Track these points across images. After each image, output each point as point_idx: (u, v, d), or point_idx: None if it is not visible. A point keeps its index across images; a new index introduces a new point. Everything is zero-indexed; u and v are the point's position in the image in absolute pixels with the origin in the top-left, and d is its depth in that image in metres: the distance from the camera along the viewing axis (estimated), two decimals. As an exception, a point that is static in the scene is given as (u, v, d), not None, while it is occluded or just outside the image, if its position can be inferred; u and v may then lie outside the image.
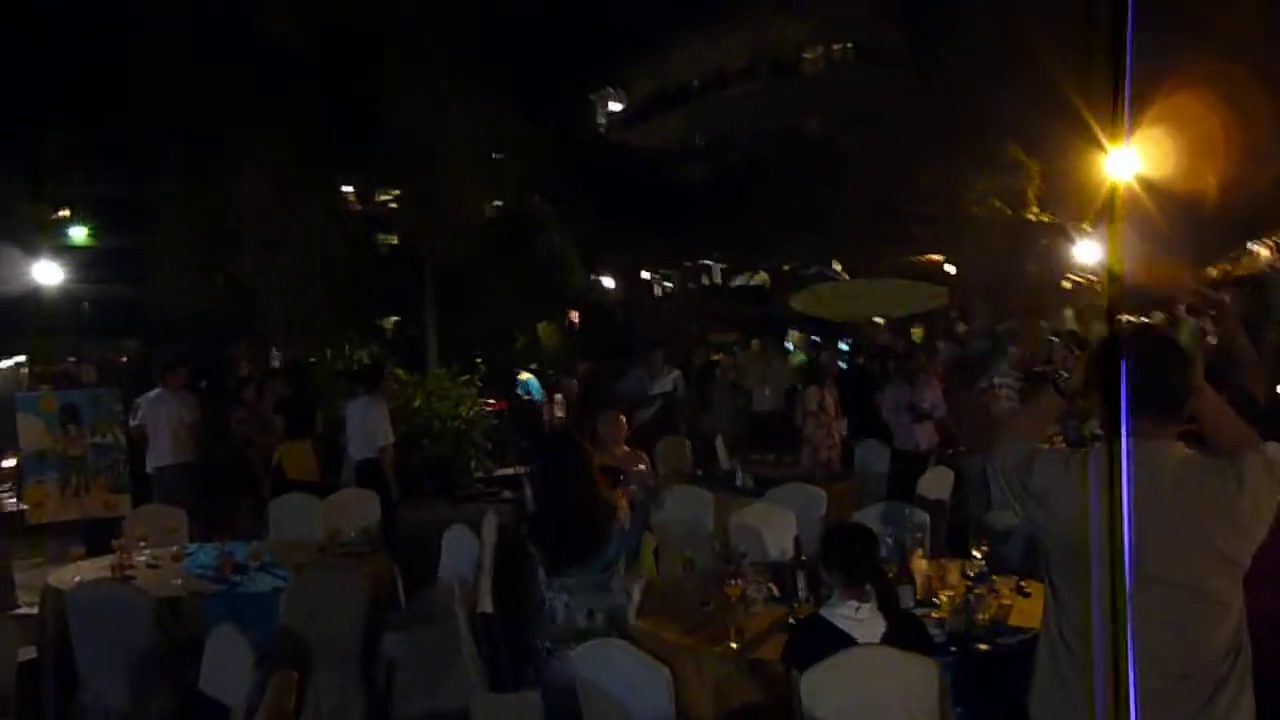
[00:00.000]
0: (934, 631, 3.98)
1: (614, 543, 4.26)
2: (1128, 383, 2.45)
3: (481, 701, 4.47)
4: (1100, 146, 14.05)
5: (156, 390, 8.79)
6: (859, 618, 3.56)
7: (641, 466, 6.71)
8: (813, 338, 16.94)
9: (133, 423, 9.20)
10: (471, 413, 12.69)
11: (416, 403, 12.25)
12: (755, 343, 13.05)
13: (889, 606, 3.68)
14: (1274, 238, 15.25)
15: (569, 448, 4.52)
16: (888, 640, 3.52)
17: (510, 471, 12.44)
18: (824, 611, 3.67)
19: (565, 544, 4.21)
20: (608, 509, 4.30)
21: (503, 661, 4.63)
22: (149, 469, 8.78)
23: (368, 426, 8.60)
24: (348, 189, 20.49)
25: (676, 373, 11.27)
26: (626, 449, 6.84)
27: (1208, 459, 2.49)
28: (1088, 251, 15.51)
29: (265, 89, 13.85)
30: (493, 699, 4.44)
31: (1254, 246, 15.47)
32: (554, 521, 4.29)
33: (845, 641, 3.49)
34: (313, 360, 13.69)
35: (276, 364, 14.17)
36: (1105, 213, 14.56)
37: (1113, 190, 13.81)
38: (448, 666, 5.21)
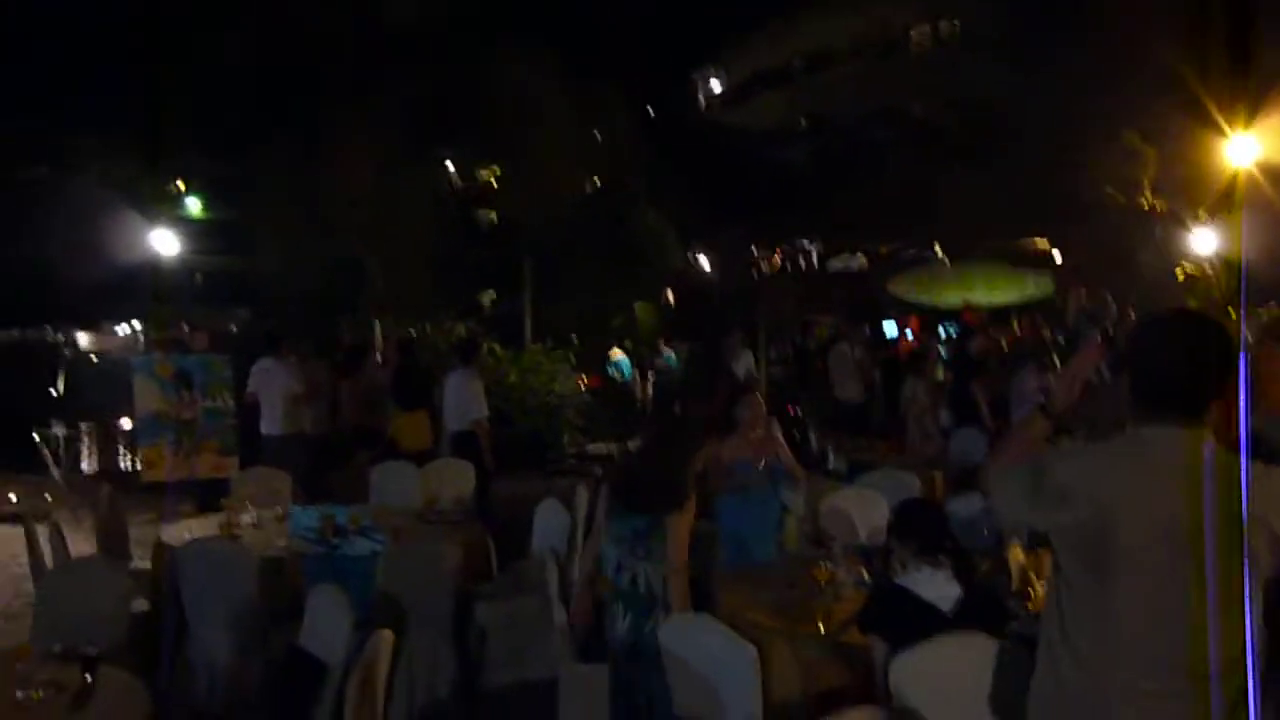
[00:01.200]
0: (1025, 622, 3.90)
1: (662, 523, 4.23)
2: (1161, 369, 2.38)
3: (570, 671, 4.53)
4: (1221, 132, 13.54)
5: (269, 360, 9.04)
6: (934, 581, 3.60)
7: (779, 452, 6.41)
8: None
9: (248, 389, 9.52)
10: (565, 389, 12.83)
11: (511, 378, 12.45)
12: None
13: (964, 575, 3.70)
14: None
15: (672, 421, 4.61)
16: (963, 606, 3.55)
17: (602, 448, 12.57)
18: (900, 580, 3.71)
19: (628, 491, 4.25)
20: (682, 481, 4.26)
21: (591, 633, 4.68)
22: (262, 434, 9.01)
23: (463, 399, 8.75)
24: (449, 166, 20.78)
25: (748, 355, 11.21)
26: (763, 434, 6.37)
27: (1235, 454, 2.34)
28: (1204, 241, 14.92)
29: (371, 67, 14.12)
30: (581, 669, 4.49)
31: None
32: (630, 469, 4.40)
33: (920, 606, 3.53)
34: (413, 334, 13.99)
35: (377, 338, 14.49)
36: (1224, 201, 14.01)
37: (1234, 178, 13.34)
38: (538, 637, 5.30)
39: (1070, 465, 2.42)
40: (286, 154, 14.66)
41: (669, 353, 16.35)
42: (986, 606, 3.63)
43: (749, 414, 6.20)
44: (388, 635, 3.55)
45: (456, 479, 7.41)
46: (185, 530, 5.89)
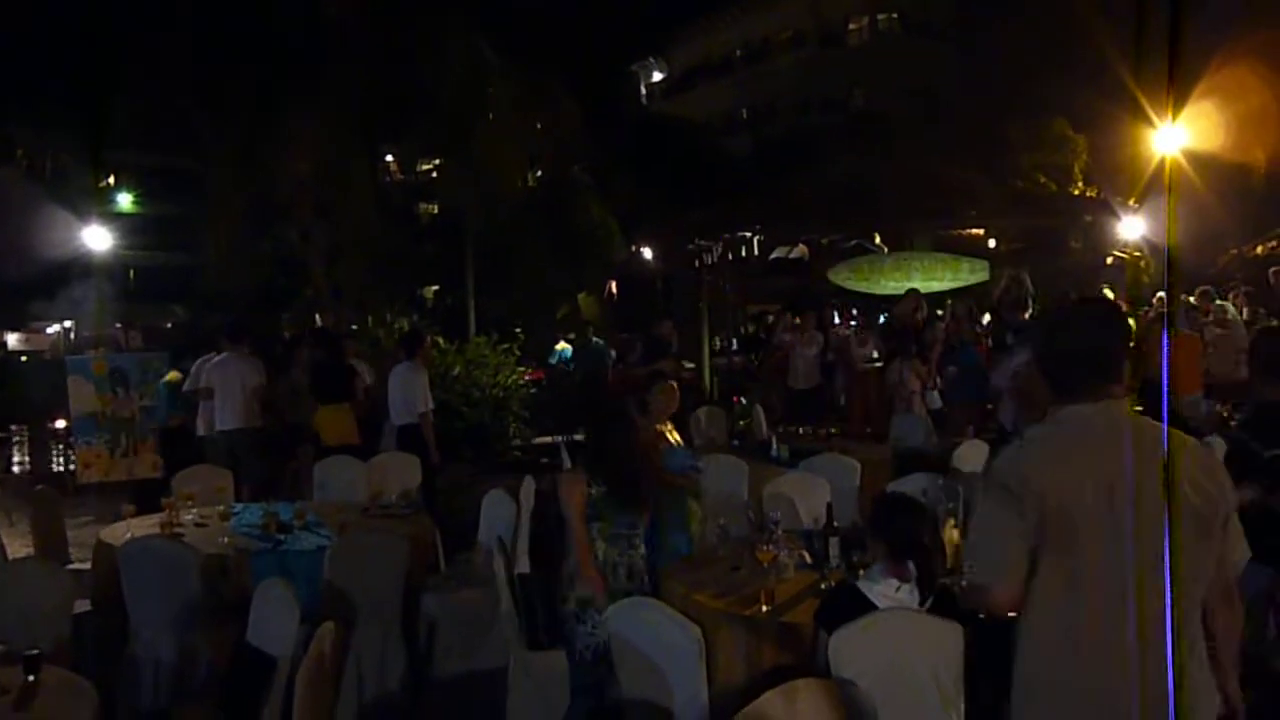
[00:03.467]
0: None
1: (647, 512, 4.40)
2: (1080, 349, 2.53)
3: (519, 658, 4.58)
4: (1148, 121, 13.89)
5: (221, 354, 8.91)
6: (897, 597, 3.58)
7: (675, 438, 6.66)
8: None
9: (188, 387, 9.37)
10: (510, 381, 12.83)
11: (456, 370, 12.41)
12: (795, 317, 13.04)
13: (927, 583, 3.67)
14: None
15: (619, 419, 4.67)
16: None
17: (548, 440, 12.58)
18: (861, 584, 3.69)
19: (618, 484, 4.34)
20: (649, 480, 4.44)
21: (539, 621, 4.74)
22: (214, 431, 8.82)
23: (408, 393, 8.70)
24: (389, 159, 20.63)
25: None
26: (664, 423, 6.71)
27: (1150, 421, 2.51)
28: (1132, 227, 15.32)
29: (310, 59, 13.97)
30: (530, 656, 4.55)
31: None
32: (611, 460, 4.51)
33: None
34: (354, 328, 13.88)
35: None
36: (1151, 188, 14.40)
37: (1161, 165, 13.70)
38: (486, 627, 5.33)
39: (1016, 459, 2.56)
40: (224, 147, 14.48)
41: (565, 347, 16.35)
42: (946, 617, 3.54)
43: (664, 400, 6.37)
44: (334, 628, 3.57)
45: (402, 473, 7.41)
46: (126, 530, 5.82)
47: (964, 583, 2.62)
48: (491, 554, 5.18)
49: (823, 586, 4.31)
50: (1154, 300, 11.35)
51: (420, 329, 11.82)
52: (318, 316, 14.94)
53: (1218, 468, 2.55)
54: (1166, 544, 2.33)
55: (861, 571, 3.87)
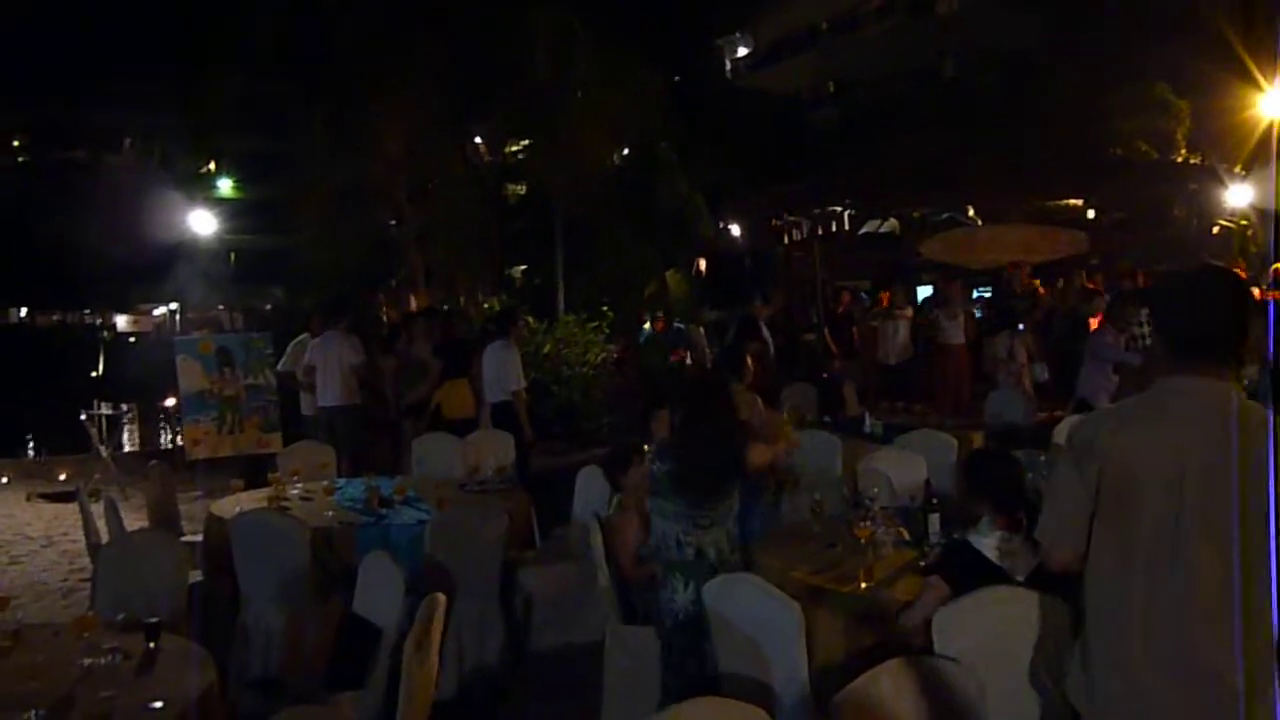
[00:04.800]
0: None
1: (725, 498, 4.33)
2: (1189, 321, 2.46)
3: (616, 632, 4.63)
4: (1255, 85, 13.34)
5: (325, 333, 9.12)
6: (1009, 549, 3.53)
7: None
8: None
9: (283, 366, 9.64)
10: (600, 359, 12.91)
11: (546, 349, 12.53)
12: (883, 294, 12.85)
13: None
14: None
15: (718, 393, 4.62)
16: (1039, 573, 3.43)
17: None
18: (973, 539, 3.64)
19: (688, 479, 4.30)
20: (738, 460, 4.36)
21: (634, 595, 4.78)
22: (316, 408, 9.02)
23: (501, 370, 8.81)
24: (478, 140, 20.83)
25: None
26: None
27: (1258, 405, 2.43)
28: (1239, 195, 14.74)
29: (399, 39, 14.15)
30: (626, 630, 4.59)
31: None
32: (685, 456, 4.37)
33: (994, 572, 3.49)
34: (446, 308, 14.10)
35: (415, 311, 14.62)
36: (1258, 154, 13.83)
37: (1270, 130, 13.14)
38: (582, 602, 5.40)
39: (1092, 423, 2.58)
40: (319, 131, 14.78)
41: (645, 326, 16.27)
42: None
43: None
44: (441, 598, 3.65)
45: (497, 449, 7.52)
46: (235, 504, 6.02)
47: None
48: (587, 529, 5.24)
49: (922, 564, 4.26)
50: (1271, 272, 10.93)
51: (512, 308, 11.96)
52: (412, 298, 15.19)
53: None
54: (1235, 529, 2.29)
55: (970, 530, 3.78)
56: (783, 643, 3.54)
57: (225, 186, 33.47)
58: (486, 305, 15.96)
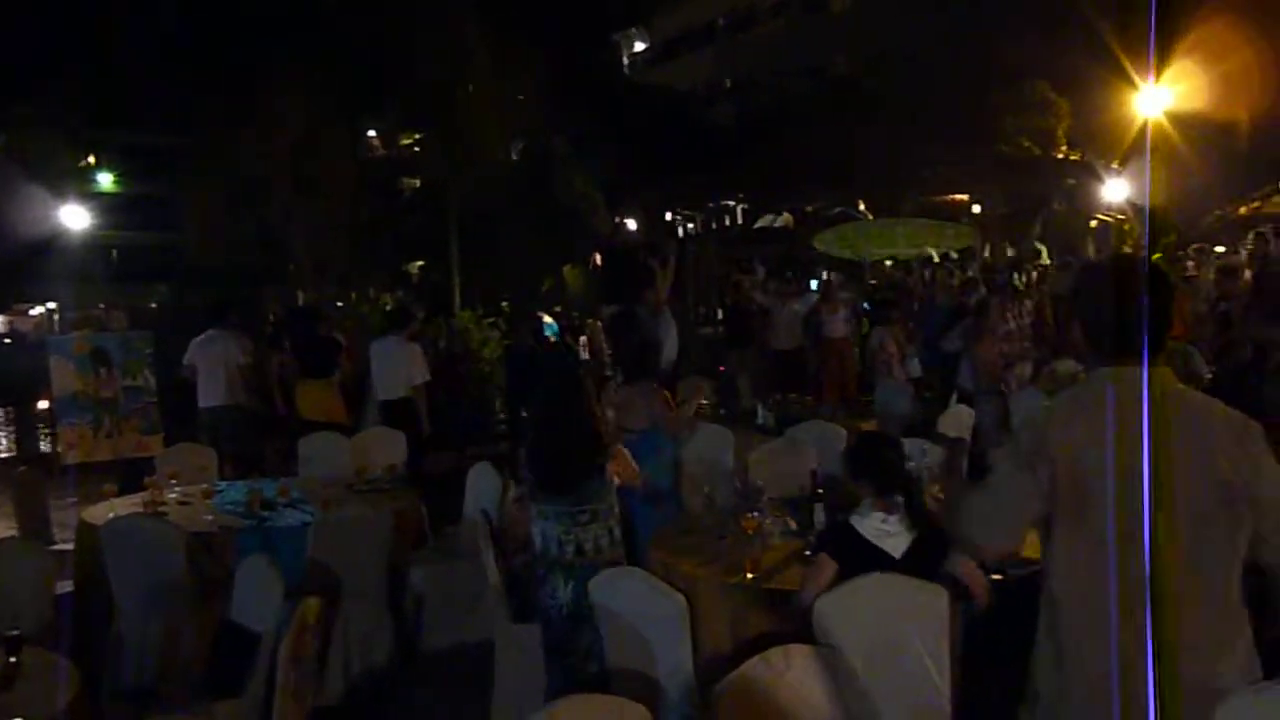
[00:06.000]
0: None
1: (599, 484, 4.29)
2: (1110, 311, 2.50)
3: (504, 631, 4.58)
4: (1131, 83, 13.86)
5: (207, 332, 8.86)
6: (887, 529, 3.65)
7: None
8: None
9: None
10: (496, 355, 12.80)
11: (441, 345, 12.37)
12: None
13: (917, 518, 3.73)
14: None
15: (568, 380, 4.56)
16: (913, 552, 3.60)
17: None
18: (854, 520, 3.74)
19: (549, 472, 4.27)
20: (595, 449, 4.33)
21: (524, 593, 4.73)
22: (200, 408, 8.76)
23: (397, 366, 8.71)
24: (371, 134, 20.49)
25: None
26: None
27: (1188, 389, 2.52)
28: (1116, 189, 15.32)
29: (290, 35, 13.84)
30: (516, 629, 4.54)
31: (1286, 184, 15.23)
32: (544, 448, 4.34)
33: (872, 553, 3.59)
34: (339, 305, 13.82)
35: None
36: (1134, 150, 14.39)
37: (1144, 128, 13.67)
38: (473, 600, 5.33)
39: (1038, 424, 2.58)
40: (203, 123, 14.35)
41: (549, 321, 16.18)
42: (938, 554, 3.52)
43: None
44: (315, 602, 3.56)
45: (387, 448, 7.37)
46: (109, 510, 5.79)
47: (961, 531, 2.68)
48: (478, 527, 5.17)
49: (807, 553, 4.31)
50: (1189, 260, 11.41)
51: (408, 304, 11.80)
52: (300, 294, 14.87)
53: (1249, 438, 2.48)
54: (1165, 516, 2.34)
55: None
56: (667, 635, 3.54)
57: (106, 181, 32.26)
58: (381, 301, 15.67)
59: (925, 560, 3.53)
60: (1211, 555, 2.39)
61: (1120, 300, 2.50)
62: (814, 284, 16.40)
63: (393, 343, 8.85)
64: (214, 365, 8.65)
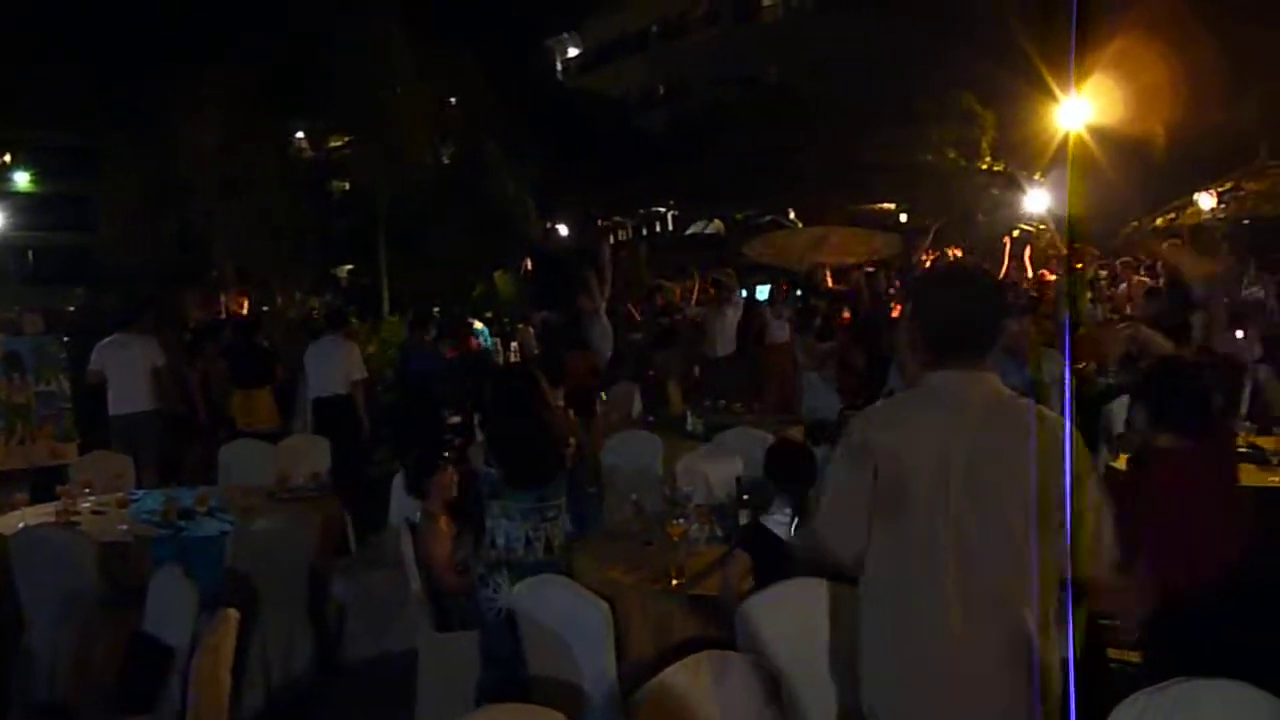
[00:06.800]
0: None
1: (562, 478, 4.37)
2: (940, 317, 2.55)
3: (428, 640, 4.53)
4: (1052, 96, 14.20)
5: (116, 335, 8.61)
6: (797, 528, 3.83)
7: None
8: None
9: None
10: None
11: (371, 349, 12.22)
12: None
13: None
14: (1217, 187, 15.50)
15: (522, 380, 4.61)
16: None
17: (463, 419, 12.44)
18: (767, 520, 3.92)
19: (514, 467, 4.28)
20: (558, 441, 4.40)
21: (450, 603, 4.69)
22: (111, 414, 8.53)
23: (335, 363, 8.81)
24: (299, 135, 20.20)
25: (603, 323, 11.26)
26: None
27: (1015, 395, 2.54)
28: (1037, 200, 15.70)
29: (216, 34, 13.59)
30: (439, 638, 4.50)
31: (1198, 196, 15.70)
32: (507, 443, 4.35)
33: (784, 549, 3.77)
34: (265, 309, 13.58)
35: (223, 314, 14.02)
36: (1055, 162, 14.75)
37: (1065, 140, 14.01)
38: (397, 609, 5.27)
39: (863, 421, 2.59)
40: (122, 122, 14.02)
41: (481, 326, 16.09)
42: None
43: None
44: (231, 614, 3.48)
45: (311, 454, 7.25)
46: (20, 520, 5.61)
47: (812, 539, 2.68)
48: (401, 534, 5.11)
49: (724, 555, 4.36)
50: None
51: (340, 307, 11.71)
52: (223, 297, 14.57)
53: (1068, 442, 2.51)
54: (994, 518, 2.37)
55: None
56: (591, 642, 3.54)
57: (22, 180, 31.29)
58: (309, 305, 15.44)
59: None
60: (1018, 561, 2.39)
61: (957, 306, 2.54)
62: (744, 292, 16.54)
63: (330, 341, 9.02)
64: (127, 370, 8.42)
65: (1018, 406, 2.49)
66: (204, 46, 13.59)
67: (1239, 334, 8.17)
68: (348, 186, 19.26)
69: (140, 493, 6.35)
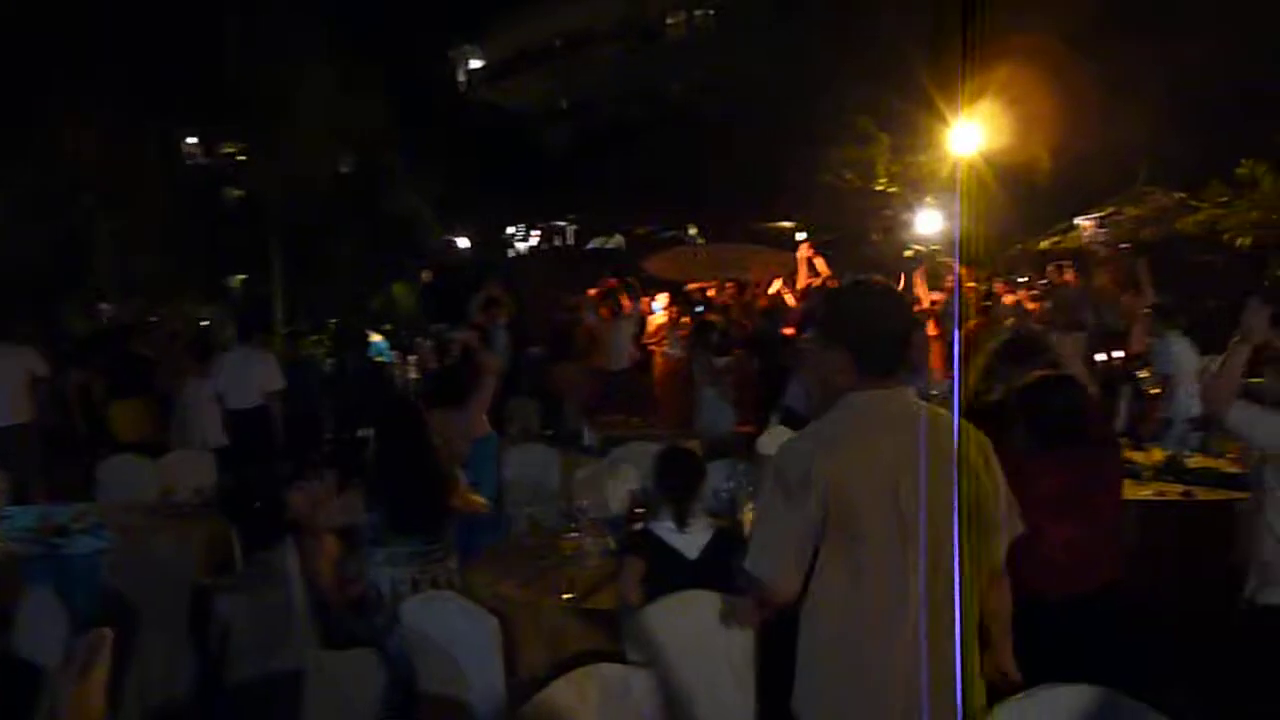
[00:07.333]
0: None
1: (450, 522, 4.31)
2: (856, 334, 2.53)
3: (316, 658, 4.43)
4: (944, 121, 14.63)
5: None
6: (683, 533, 3.88)
7: None
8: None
9: None
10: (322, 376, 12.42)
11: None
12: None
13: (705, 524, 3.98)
14: (1098, 211, 16.16)
15: (408, 414, 4.53)
16: (710, 550, 3.84)
17: (363, 434, 12.22)
18: (653, 527, 3.96)
19: (398, 512, 4.21)
20: (445, 483, 4.33)
21: (336, 619, 4.60)
22: None
23: (251, 375, 8.71)
24: (191, 140, 19.67)
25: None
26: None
27: (934, 408, 2.57)
28: (929, 221, 16.14)
29: (103, 34, 13.14)
30: (326, 655, 4.40)
31: (1080, 221, 16.34)
32: (389, 489, 4.26)
33: (669, 553, 3.82)
34: (152, 320, 13.15)
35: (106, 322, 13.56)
36: (948, 185, 15.19)
37: (955, 164, 14.44)
38: (284, 627, 5.14)
39: (801, 453, 2.49)
40: (3, 124, 13.45)
41: (379, 339, 15.86)
42: (730, 552, 3.72)
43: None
44: (106, 633, 3.35)
45: (195, 469, 7.04)
46: (-123, 539, 5.33)
47: (747, 572, 2.57)
48: (289, 551, 5.00)
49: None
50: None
51: (224, 318, 11.43)
52: (104, 307, 14.08)
53: (994, 457, 2.60)
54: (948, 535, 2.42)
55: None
56: (479, 658, 3.52)
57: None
58: (198, 317, 15.00)
59: (721, 557, 3.75)
60: (950, 571, 2.42)
61: (877, 323, 2.53)
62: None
63: (244, 352, 8.98)
64: (0, 382, 8.09)
65: (941, 420, 2.50)
66: (91, 46, 13.09)
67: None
68: (240, 194, 18.79)
69: (14, 509, 6.08)
